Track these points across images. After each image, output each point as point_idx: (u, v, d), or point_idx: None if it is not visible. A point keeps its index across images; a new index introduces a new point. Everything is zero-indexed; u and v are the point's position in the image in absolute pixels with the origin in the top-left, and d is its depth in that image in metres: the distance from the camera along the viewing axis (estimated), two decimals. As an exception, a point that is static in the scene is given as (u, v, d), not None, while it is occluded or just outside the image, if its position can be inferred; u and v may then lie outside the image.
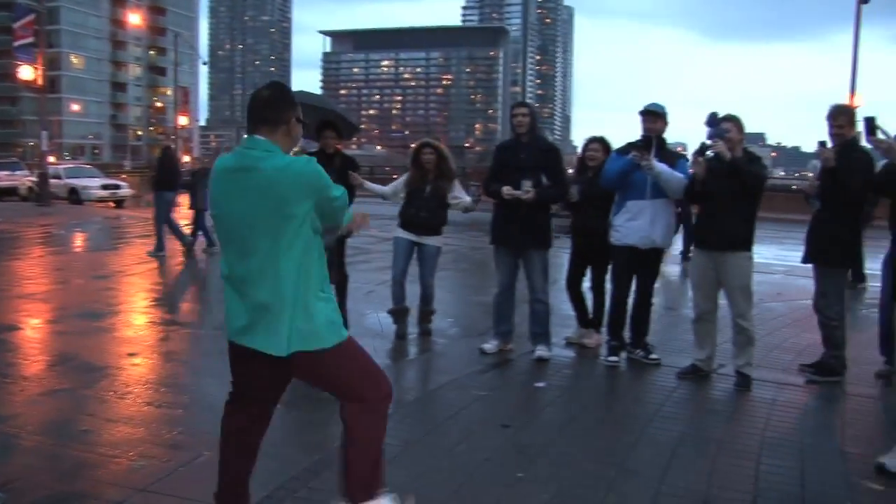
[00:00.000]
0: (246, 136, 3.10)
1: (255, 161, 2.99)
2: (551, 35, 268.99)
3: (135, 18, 48.21)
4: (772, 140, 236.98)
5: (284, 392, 3.40)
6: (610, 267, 6.67)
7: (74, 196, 29.02)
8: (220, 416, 3.35)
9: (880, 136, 5.15)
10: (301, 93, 9.07)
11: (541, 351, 6.51)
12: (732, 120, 5.84)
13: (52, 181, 29.84)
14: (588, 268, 7.05)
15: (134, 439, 4.48)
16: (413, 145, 7.24)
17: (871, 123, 5.23)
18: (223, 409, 3.36)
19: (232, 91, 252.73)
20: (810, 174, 8.19)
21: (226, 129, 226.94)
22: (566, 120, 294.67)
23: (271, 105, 3.09)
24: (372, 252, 12.98)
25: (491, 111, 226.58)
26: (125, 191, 30.34)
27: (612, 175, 6.34)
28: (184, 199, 14.74)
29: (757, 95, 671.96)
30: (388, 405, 3.27)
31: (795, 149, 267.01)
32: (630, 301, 6.51)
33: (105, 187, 29.34)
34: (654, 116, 6.30)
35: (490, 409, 5.25)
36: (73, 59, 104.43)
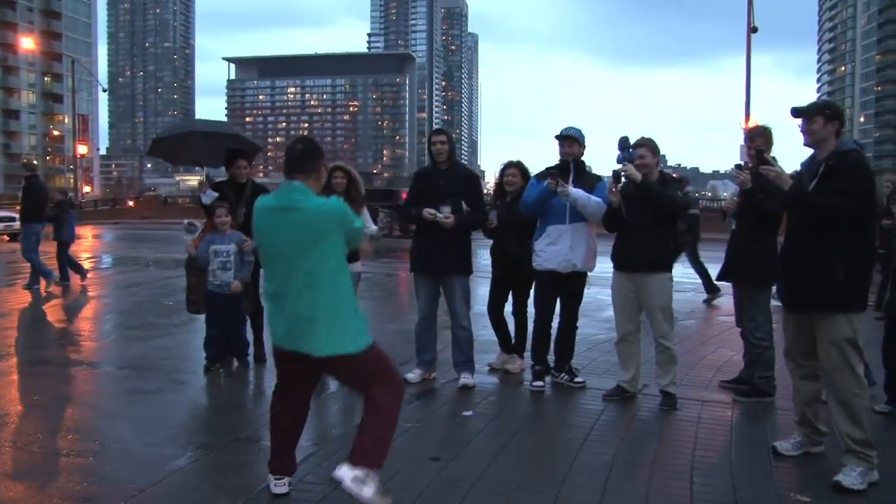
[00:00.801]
0: (285, 181, 3.89)
1: (296, 202, 3.79)
2: (456, 61, 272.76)
3: (27, 43, 46.00)
4: (672, 161, 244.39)
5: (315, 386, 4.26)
6: (533, 291, 6.64)
7: None
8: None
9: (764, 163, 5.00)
10: (201, 121, 8.77)
11: (465, 379, 6.40)
12: (646, 143, 5.91)
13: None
14: (509, 292, 6.99)
15: (39, 495, 4.10)
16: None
17: (625, 142, 5.82)
18: (271, 399, 4.17)
19: (133, 119, 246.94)
20: (708, 194, 8.36)
21: (127, 157, 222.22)
22: (473, 144, 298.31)
23: (307, 156, 3.92)
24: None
25: (398, 137, 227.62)
26: (19, 223, 28.91)
27: (530, 202, 6.32)
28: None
29: (657, 118, 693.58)
30: (402, 399, 4.00)
31: (695, 169, 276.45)
32: (554, 325, 6.48)
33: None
34: (570, 141, 6.33)
35: (417, 441, 5.09)
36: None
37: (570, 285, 6.37)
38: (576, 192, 6.06)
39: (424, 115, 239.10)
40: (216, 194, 6.93)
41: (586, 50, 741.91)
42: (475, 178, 6.70)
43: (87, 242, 28.63)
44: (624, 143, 5.83)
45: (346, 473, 3.62)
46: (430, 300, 6.56)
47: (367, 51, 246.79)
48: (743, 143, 24.93)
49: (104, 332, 9.56)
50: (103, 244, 28.23)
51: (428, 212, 6.23)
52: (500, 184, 7.09)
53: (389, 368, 3.95)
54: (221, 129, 7.62)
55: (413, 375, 6.53)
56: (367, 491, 3.60)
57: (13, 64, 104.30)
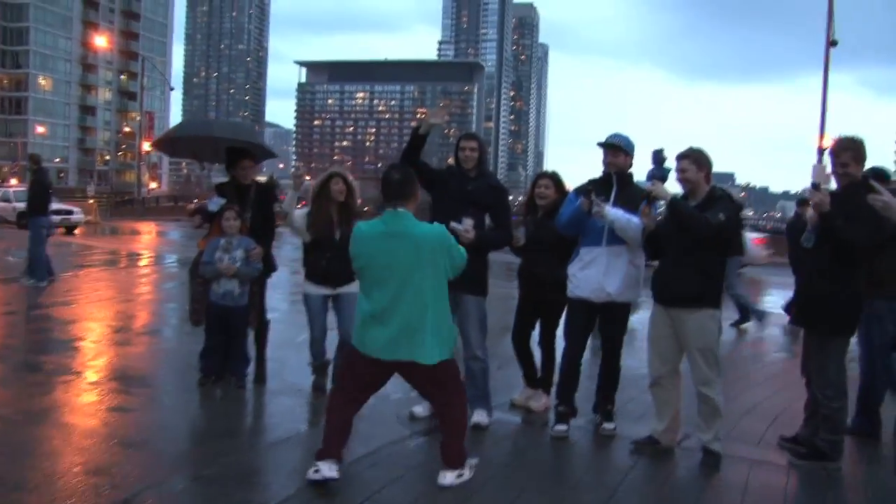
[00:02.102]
0: (390, 209, 4.38)
1: (407, 228, 4.32)
2: (526, 71, 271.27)
3: (101, 41, 46.84)
4: (741, 180, 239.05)
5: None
6: (564, 320, 5.83)
7: (23, 221, 28.01)
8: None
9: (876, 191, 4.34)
10: (219, 123, 8.08)
11: (478, 417, 5.60)
12: (690, 155, 5.04)
13: (1, 205, 28.83)
14: (537, 320, 6.20)
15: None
16: (319, 177, 6.22)
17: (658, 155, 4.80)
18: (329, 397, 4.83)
19: (206, 118, 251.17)
20: (777, 214, 7.40)
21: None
22: (539, 156, 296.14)
23: (406, 184, 4.44)
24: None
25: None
26: (77, 217, 29.43)
27: (563, 220, 5.54)
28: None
29: (728, 135, 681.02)
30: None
31: (764, 189, 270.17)
32: (585, 358, 5.69)
33: (56, 213, 28.29)
34: (614, 150, 5.48)
35: (415, 488, 4.42)
36: (42, 81, 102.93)
37: (607, 317, 5.54)
38: (614, 213, 5.23)
39: (492, 124, 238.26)
40: (223, 200, 6.33)
41: (659, 63, 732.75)
42: (503, 191, 5.96)
43: (148, 238, 28.79)
44: (657, 157, 5.04)
45: (450, 477, 4.39)
46: None
47: (436, 58, 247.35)
48: (816, 163, 23.63)
49: (104, 335, 8.84)
50: (159, 240, 28.32)
51: (452, 225, 5.34)
52: (531, 197, 6.28)
53: (460, 376, 4.73)
54: (237, 134, 6.92)
55: (420, 409, 5.80)
56: (468, 475, 4.47)
57: (92, 62, 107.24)
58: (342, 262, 5.58)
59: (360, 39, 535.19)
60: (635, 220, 5.24)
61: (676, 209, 4.93)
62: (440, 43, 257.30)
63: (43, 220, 12.50)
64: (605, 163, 5.53)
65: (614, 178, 5.47)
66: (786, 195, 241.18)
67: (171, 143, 7.24)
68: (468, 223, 5.42)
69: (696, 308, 4.94)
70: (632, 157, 5.57)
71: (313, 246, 6.08)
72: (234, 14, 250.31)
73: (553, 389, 5.96)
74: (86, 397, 6.06)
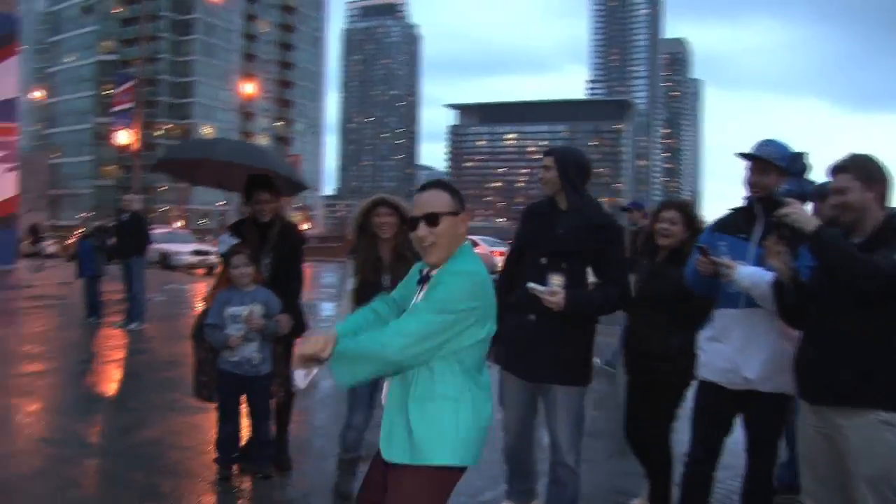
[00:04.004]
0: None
1: None
2: (678, 108, 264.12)
3: (249, 88, 48.16)
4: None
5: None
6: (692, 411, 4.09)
7: (165, 261, 28.85)
8: None
9: None
10: (226, 143, 6.55)
11: None
12: (849, 167, 3.21)
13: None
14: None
15: None
16: (360, 205, 4.66)
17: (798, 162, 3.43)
18: None
19: (360, 162, 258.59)
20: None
21: (354, 198, 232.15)
22: (696, 195, 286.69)
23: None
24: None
25: (616, 185, 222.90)
26: (215, 258, 29.69)
27: (689, 276, 3.93)
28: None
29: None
30: None
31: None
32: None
33: (196, 253, 28.76)
34: (760, 166, 3.77)
35: None
36: (205, 130, 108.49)
37: (750, 411, 3.82)
38: (749, 274, 3.55)
39: (645, 162, 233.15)
40: (236, 240, 5.11)
41: (824, 94, 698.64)
42: (612, 229, 4.14)
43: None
44: (796, 164, 3.35)
45: None
46: (522, 414, 4.29)
47: (586, 97, 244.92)
48: None
49: (127, 393, 7.57)
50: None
51: (532, 288, 3.93)
52: (650, 234, 4.57)
53: None
54: (256, 160, 5.50)
55: None
56: None
57: (250, 111, 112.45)
58: None
59: (509, 81, 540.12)
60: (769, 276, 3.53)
61: (825, 245, 3.12)
62: (590, 82, 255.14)
63: (143, 260, 12.42)
64: (748, 183, 3.82)
65: (757, 208, 3.77)
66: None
67: (182, 169, 6.00)
68: (557, 280, 3.92)
69: (858, 409, 3.12)
70: (785, 175, 3.87)
71: (358, 293, 4.55)
72: (386, 61, 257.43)
73: None
74: (59, 486, 4.95)
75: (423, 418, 2.63)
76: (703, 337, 3.93)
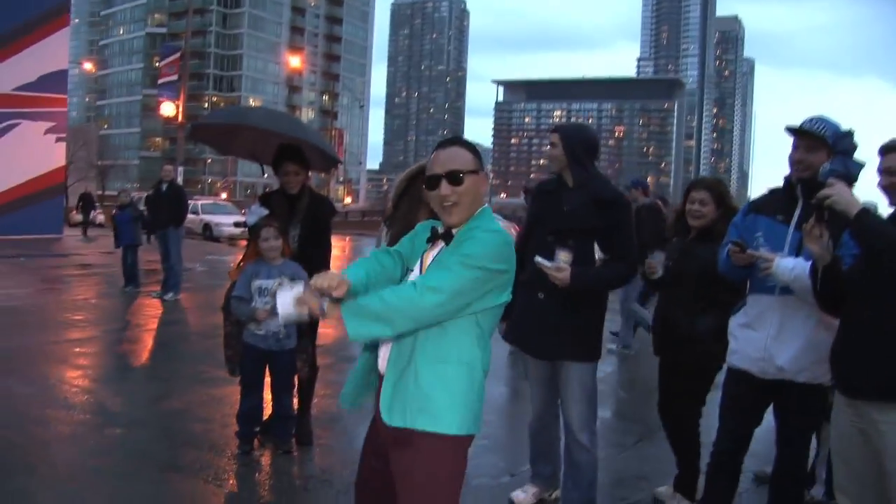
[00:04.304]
0: None
1: None
2: (729, 87, 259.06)
3: (296, 62, 48.44)
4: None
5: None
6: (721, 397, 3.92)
7: (208, 232, 29.25)
8: None
9: None
10: (260, 112, 6.59)
11: None
12: None
13: (189, 216, 29.98)
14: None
15: None
16: (406, 171, 4.39)
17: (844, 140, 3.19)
18: None
19: (406, 137, 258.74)
20: None
21: (397, 173, 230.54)
22: (743, 176, 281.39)
23: None
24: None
25: (663, 164, 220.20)
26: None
27: (722, 264, 3.72)
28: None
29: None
30: None
31: None
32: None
33: (237, 224, 29.01)
34: (810, 142, 3.47)
35: None
36: (252, 103, 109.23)
37: (782, 402, 3.62)
38: (789, 267, 3.33)
39: (692, 142, 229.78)
40: (265, 211, 5.04)
41: (885, 74, 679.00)
42: (622, 206, 4.08)
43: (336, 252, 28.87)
44: (842, 142, 3.15)
45: None
46: (544, 390, 4.27)
47: (635, 75, 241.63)
48: None
49: (156, 363, 7.69)
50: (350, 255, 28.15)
51: (539, 262, 3.88)
52: (681, 212, 4.44)
53: None
54: (291, 129, 5.45)
55: (523, 495, 4.35)
56: None
57: (297, 84, 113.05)
58: None
59: (557, 57, 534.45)
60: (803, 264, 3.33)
61: (869, 230, 2.87)
62: (639, 60, 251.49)
63: (181, 231, 12.46)
64: (793, 161, 3.54)
65: (799, 189, 3.51)
66: None
67: (216, 136, 5.93)
68: (564, 256, 3.82)
69: None
70: (834, 153, 3.52)
71: None
72: (434, 36, 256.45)
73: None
74: (78, 461, 4.96)
75: (439, 382, 2.45)
76: (736, 323, 3.73)
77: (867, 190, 3.40)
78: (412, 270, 2.63)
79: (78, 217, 31.12)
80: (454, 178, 2.53)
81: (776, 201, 3.63)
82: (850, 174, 3.16)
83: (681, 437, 4.35)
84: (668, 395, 4.39)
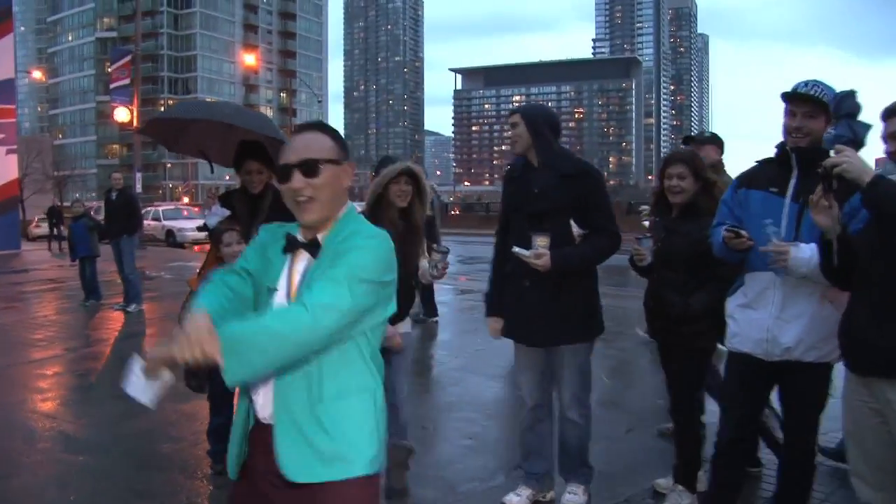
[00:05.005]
0: None
1: None
2: (686, 64, 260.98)
3: (250, 59, 47.91)
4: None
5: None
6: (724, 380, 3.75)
7: (171, 238, 28.89)
8: None
9: None
10: (222, 105, 6.28)
11: (572, 496, 4.07)
12: None
13: (151, 223, 29.52)
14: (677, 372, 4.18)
15: None
16: (383, 173, 4.27)
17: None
18: None
19: (367, 130, 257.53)
20: None
21: (361, 168, 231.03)
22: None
23: None
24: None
25: (625, 144, 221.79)
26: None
27: (716, 246, 3.50)
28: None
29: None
30: None
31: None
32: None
33: (201, 229, 28.49)
34: (808, 107, 3.21)
35: None
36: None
37: (788, 384, 3.42)
38: (804, 257, 3.08)
39: (652, 120, 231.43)
40: (226, 212, 4.72)
41: (837, 43, 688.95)
42: (592, 176, 3.99)
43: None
44: (846, 105, 2.94)
45: None
46: (536, 380, 4.15)
47: (591, 56, 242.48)
48: None
49: (118, 381, 7.45)
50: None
51: (516, 251, 3.78)
52: (659, 193, 4.19)
53: None
54: (251, 123, 5.14)
55: (517, 498, 4.15)
56: None
57: (254, 83, 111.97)
58: (402, 290, 4.06)
59: (513, 41, 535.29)
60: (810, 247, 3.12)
61: (884, 197, 2.68)
62: (595, 41, 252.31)
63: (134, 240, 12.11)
64: (788, 129, 3.27)
65: (794, 159, 3.28)
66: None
67: (168, 131, 5.58)
68: (540, 241, 3.75)
69: None
70: (830, 119, 3.37)
71: None
72: (388, 27, 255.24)
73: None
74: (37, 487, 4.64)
75: (346, 419, 2.06)
76: (734, 304, 3.51)
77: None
78: (276, 290, 2.15)
79: (38, 231, 30.42)
80: (309, 168, 2.11)
81: (768, 172, 3.41)
82: (858, 138, 2.96)
83: (679, 424, 4.15)
84: (670, 376, 4.20)
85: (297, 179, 2.10)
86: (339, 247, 2.09)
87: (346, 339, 2.05)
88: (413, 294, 4.33)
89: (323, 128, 2.25)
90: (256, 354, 1.88)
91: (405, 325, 4.30)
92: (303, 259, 2.15)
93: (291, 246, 2.16)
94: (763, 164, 3.50)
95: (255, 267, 2.22)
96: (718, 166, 5.29)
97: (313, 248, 2.13)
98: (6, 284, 15.75)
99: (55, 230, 28.22)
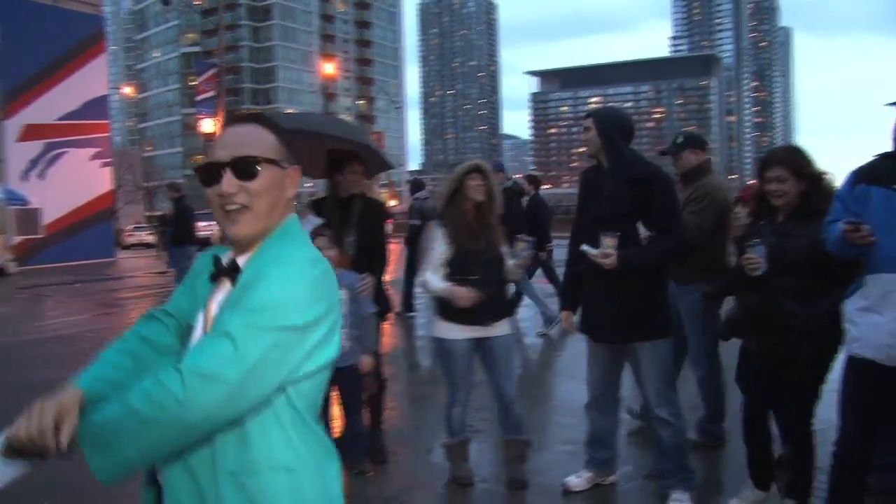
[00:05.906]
0: None
1: None
2: (767, 59, 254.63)
3: (329, 68, 48.69)
4: None
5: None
6: (840, 393, 3.46)
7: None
8: None
9: None
10: (317, 116, 6.42)
11: (678, 501, 4.01)
12: None
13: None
14: (778, 387, 3.79)
15: None
16: (455, 172, 4.37)
17: None
18: None
19: (444, 135, 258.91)
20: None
21: (440, 171, 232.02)
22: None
23: None
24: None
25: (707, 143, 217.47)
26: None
27: (832, 243, 3.30)
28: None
29: None
30: None
31: None
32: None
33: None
34: None
35: None
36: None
37: None
38: None
39: (734, 118, 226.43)
40: (319, 220, 4.72)
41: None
42: (660, 179, 3.99)
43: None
44: None
45: None
46: (604, 374, 4.29)
47: (669, 54, 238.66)
48: None
49: None
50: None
51: (586, 250, 3.91)
52: (761, 196, 3.84)
53: None
54: (344, 132, 5.23)
55: (577, 480, 4.30)
56: None
57: (333, 91, 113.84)
58: (493, 285, 4.19)
59: (589, 42, 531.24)
60: None
61: None
62: (672, 38, 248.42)
63: (187, 249, 12.51)
64: None
65: None
66: None
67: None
68: (608, 242, 3.82)
69: None
70: None
71: (455, 272, 4.16)
72: (463, 32, 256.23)
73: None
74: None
75: (245, 502, 1.54)
76: (853, 308, 3.30)
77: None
78: (194, 329, 1.69)
79: (131, 239, 31.54)
80: (244, 168, 1.63)
81: (891, 167, 3.20)
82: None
83: (795, 445, 3.90)
84: (754, 397, 3.90)
85: (229, 182, 1.62)
86: (247, 274, 1.59)
87: (260, 404, 1.53)
88: (503, 291, 4.37)
89: (264, 120, 1.75)
90: (127, 444, 1.40)
91: (502, 327, 4.32)
92: (225, 287, 1.66)
93: (217, 271, 1.68)
94: (885, 157, 3.27)
95: (181, 305, 1.78)
96: (705, 166, 5.07)
97: (232, 273, 1.65)
98: (103, 291, 16.36)
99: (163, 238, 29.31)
